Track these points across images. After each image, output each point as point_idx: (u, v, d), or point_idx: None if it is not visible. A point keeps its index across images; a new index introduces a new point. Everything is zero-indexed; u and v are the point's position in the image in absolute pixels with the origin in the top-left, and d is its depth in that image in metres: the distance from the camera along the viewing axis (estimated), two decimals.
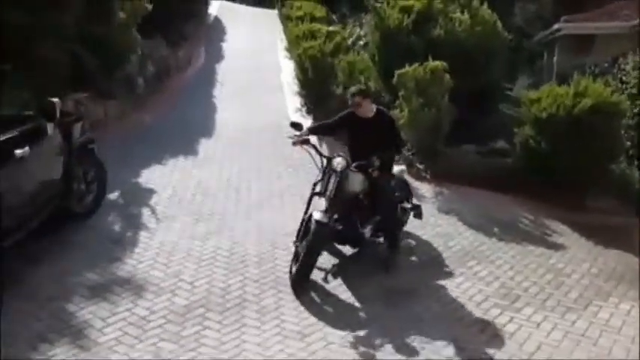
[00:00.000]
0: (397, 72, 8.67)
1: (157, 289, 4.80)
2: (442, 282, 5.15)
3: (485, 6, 10.45)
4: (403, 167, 6.57)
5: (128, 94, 10.91)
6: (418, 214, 6.08)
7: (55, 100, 5.32)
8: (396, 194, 5.98)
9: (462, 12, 10.19)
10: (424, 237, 6.19)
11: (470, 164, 8.45)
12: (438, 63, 8.41)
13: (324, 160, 5.33)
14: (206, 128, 10.29)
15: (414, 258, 5.75)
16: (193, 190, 7.34)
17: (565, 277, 5.40)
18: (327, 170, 5.23)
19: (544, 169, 7.59)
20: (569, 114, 7.39)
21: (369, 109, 5.52)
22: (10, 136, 4.60)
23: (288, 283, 4.96)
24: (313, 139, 5.75)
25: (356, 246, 5.56)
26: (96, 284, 4.81)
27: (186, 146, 9.08)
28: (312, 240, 4.77)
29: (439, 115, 8.31)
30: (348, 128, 5.60)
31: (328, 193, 5.08)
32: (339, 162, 5.12)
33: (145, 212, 6.49)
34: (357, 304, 4.71)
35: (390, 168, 5.68)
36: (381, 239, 5.54)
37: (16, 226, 4.62)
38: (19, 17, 7.15)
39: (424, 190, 7.82)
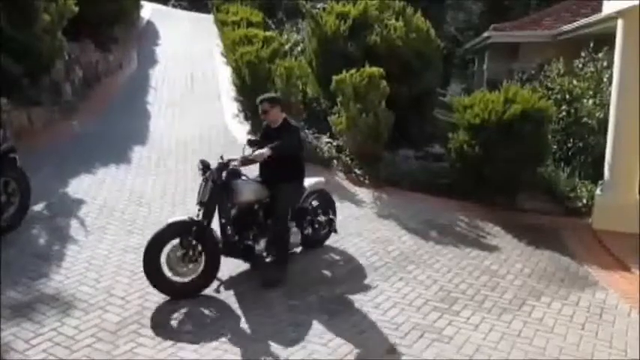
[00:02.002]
0: (335, 78, 8.71)
1: (87, 306, 4.55)
2: (381, 288, 5.14)
3: (418, 14, 10.71)
4: (321, 179, 6.12)
5: (55, 100, 10.38)
6: (333, 229, 5.94)
7: None
8: (309, 207, 5.70)
9: (397, 19, 10.37)
10: (363, 242, 6.20)
11: (408, 169, 8.57)
12: (374, 69, 8.51)
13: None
14: (139, 136, 9.94)
15: (340, 269, 5.73)
16: (126, 200, 7.05)
17: (500, 278, 5.53)
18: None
19: (478, 172, 7.79)
20: (500, 119, 7.63)
21: (277, 118, 5.31)
22: None
23: (227, 294, 4.85)
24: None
25: (246, 260, 5.23)
26: (18, 303, 4.53)
27: (118, 155, 8.73)
28: (149, 240, 4.71)
29: (377, 120, 8.39)
30: (263, 140, 5.36)
31: (197, 197, 4.91)
32: (198, 167, 5.01)
33: (74, 224, 6.18)
34: (299, 314, 4.61)
35: (290, 178, 5.28)
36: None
37: None
38: None
39: (363, 195, 7.85)
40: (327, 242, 6.04)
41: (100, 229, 6.11)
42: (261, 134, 5.55)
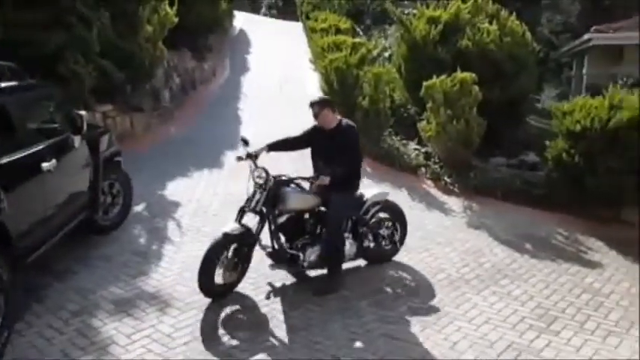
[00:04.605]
0: (425, 84, 8.56)
1: (183, 305, 4.69)
2: (474, 301, 4.95)
3: (513, 16, 10.33)
4: (385, 190, 5.88)
5: (154, 106, 10.96)
6: (397, 244, 5.63)
7: (82, 112, 5.31)
8: (369, 218, 5.37)
9: (490, 22, 10.05)
10: (453, 253, 6.02)
11: (500, 177, 8.25)
12: (466, 74, 8.29)
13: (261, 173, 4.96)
14: (231, 141, 10.21)
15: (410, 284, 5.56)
16: (219, 203, 7.28)
17: (603, 297, 5.16)
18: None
19: (578, 183, 7.36)
20: (605, 127, 7.16)
21: (330, 120, 5.09)
22: (37, 149, 4.59)
23: (327, 299, 4.83)
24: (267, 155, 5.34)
25: (290, 270, 5.13)
26: (120, 299, 4.75)
27: (211, 159, 9.05)
28: (207, 249, 4.63)
29: (468, 127, 8.16)
30: (312, 142, 5.24)
31: (249, 204, 4.83)
32: (257, 174, 4.90)
33: (171, 225, 6.44)
34: (391, 325, 4.53)
35: (347, 187, 5.05)
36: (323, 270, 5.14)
37: (43, 240, 4.59)
38: (46, 34, 7.23)
39: (452, 204, 7.64)
40: (416, 251, 5.92)
41: (195, 230, 6.33)
42: (306, 136, 5.31)
